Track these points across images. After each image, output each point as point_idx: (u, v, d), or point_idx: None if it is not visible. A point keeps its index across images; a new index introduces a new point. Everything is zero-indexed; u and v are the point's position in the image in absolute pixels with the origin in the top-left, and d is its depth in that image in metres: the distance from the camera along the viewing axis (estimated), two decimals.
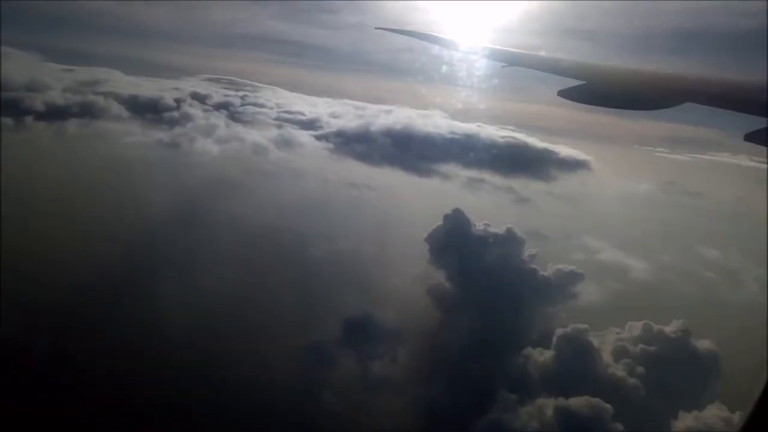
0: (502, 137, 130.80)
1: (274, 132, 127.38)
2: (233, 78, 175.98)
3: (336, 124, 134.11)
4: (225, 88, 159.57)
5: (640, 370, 47.15)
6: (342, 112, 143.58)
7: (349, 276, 64.20)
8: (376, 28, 13.59)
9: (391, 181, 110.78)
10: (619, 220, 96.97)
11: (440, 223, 61.73)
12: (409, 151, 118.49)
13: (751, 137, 6.67)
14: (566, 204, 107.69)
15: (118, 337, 47.15)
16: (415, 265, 63.46)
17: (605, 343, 49.53)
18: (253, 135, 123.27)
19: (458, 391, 45.40)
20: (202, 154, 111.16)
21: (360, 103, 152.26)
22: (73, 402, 38.67)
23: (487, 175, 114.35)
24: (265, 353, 48.69)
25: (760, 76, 7.16)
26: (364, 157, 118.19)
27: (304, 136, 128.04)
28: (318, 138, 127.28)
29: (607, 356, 48.75)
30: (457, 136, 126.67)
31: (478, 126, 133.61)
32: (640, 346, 47.52)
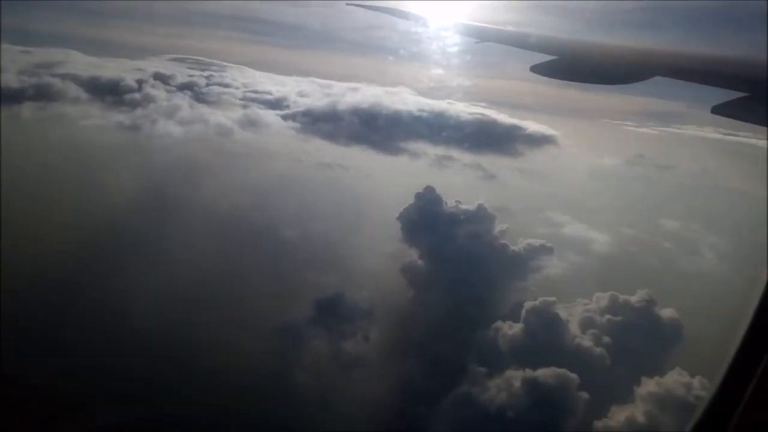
0: (471, 114, 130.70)
1: (239, 112, 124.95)
2: (199, 58, 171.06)
3: (303, 103, 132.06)
4: (190, 68, 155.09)
5: (606, 339, 48.59)
6: (310, 91, 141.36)
7: (322, 257, 63.95)
8: (347, 4, 13.44)
9: (359, 160, 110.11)
10: (585, 194, 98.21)
11: (412, 201, 62.12)
12: (377, 129, 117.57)
13: (718, 110, 6.78)
14: (533, 179, 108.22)
15: (87, 324, 46.42)
16: (388, 243, 63.75)
17: (573, 314, 50.88)
18: (217, 116, 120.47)
19: (430, 367, 46.18)
20: (164, 136, 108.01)
21: (328, 82, 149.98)
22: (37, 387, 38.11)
23: (455, 153, 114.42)
24: (237, 336, 48.43)
25: (726, 50, 7.35)
26: (332, 136, 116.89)
27: (271, 116, 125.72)
28: (285, 118, 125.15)
29: (574, 327, 50.11)
30: (426, 114, 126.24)
31: (448, 103, 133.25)
32: (607, 316, 49.02)
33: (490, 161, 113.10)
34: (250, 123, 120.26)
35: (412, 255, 59.37)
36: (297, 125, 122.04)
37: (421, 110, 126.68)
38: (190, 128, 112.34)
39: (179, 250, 61.10)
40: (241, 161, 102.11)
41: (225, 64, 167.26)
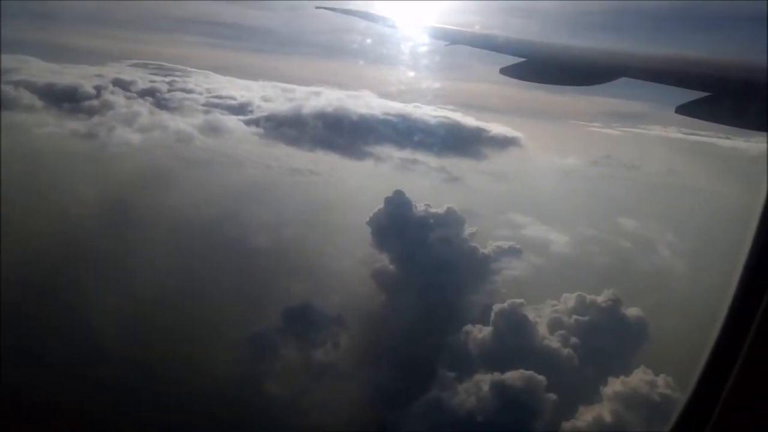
0: (437, 117, 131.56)
1: (201, 118, 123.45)
2: (162, 63, 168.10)
3: (267, 108, 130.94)
4: (153, 74, 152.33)
5: (573, 340, 49.28)
6: (274, 96, 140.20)
7: (292, 263, 63.35)
8: (317, 7, 13.38)
9: (324, 164, 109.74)
10: (548, 195, 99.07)
11: (381, 206, 62.06)
12: (342, 133, 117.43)
13: (682, 110, 6.88)
14: (497, 181, 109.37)
15: (48, 336, 45.07)
16: (358, 248, 63.54)
17: (542, 316, 51.50)
18: (177, 122, 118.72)
19: (400, 373, 46.20)
20: (121, 143, 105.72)
21: (292, 86, 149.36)
22: None
23: (420, 156, 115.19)
24: (206, 347, 47.67)
25: (688, 51, 7.57)
26: (296, 141, 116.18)
27: (233, 121, 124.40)
28: (247, 123, 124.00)
29: (543, 329, 50.65)
30: (391, 117, 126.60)
31: (414, 106, 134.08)
32: (574, 316, 49.77)
33: (455, 164, 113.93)
34: (212, 129, 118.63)
35: (383, 260, 59.39)
36: (260, 130, 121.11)
37: (386, 114, 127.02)
38: (148, 135, 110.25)
39: (139, 260, 59.64)
40: (201, 167, 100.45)
41: (189, 69, 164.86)
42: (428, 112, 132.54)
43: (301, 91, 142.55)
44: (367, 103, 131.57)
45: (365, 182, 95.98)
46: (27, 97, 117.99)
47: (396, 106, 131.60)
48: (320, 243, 69.16)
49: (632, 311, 50.12)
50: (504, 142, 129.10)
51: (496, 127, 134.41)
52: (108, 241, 63.60)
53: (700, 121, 7.30)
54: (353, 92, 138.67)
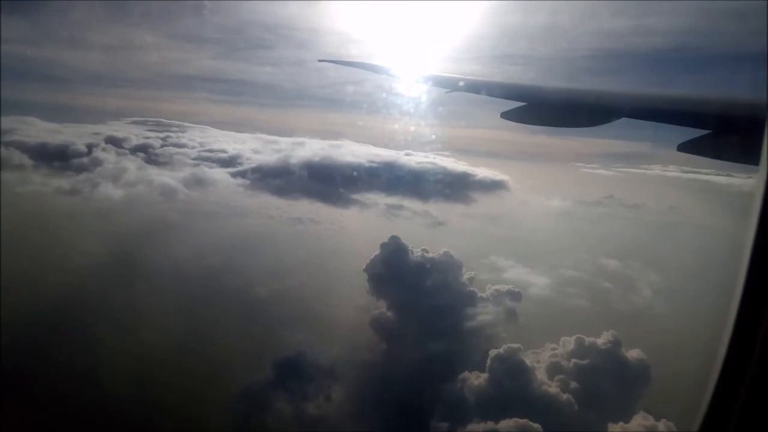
0: (426, 164, 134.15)
1: (186, 171, 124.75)
2: (161, 119, 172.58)
3: (256, 160, 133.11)
4: (150, 130, 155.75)
5: (573, 385, 48.46)
6: (265, 148, 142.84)
7: (286, 316, 62.70)
8: (320, 60, 13.77)
9: (305, 211, 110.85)
10: (534, 237, 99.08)
11: (376, 252, 61.94)
12: (327, 182, 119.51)
13: (684, 147, 7.02)
14: (483, 225, 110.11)
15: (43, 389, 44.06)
16: (355, 296, 63.16)
17: (540, 360, 50.84)
18: (163, 176, 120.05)
19: (391, 426, 45.24)
20: (103, 199, 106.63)
21: (285, 138, 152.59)
22: None
23: (406, 202, 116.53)
24: (195, 402, 46.75)
25: (685, 90, 7.81)
26: (279, 191, 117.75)
27: (220, 174, 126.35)
28: (234, 175, 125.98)
29: (542, 373, 49.92)
30: (380, 165, 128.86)
31: (406, 154, 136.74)
32: (573, 360, 49.08)
33: (441, 208, 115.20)
34: (197, 182, 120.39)
35: (381, 306, 59.02)
36: (246, 181, 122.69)
37: (375, 162, 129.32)
38: (132, 190, 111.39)
39: (123, 314, 58.75)
40: (182, 219, 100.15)
41: (187, 124, 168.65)
42: (419, 159, 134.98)
43: (291, 142, 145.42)
44: (353, 152, 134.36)
45: (352, 228, 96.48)
46: (17, 156, 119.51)
47: (387, 154, 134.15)
48: (316, 291, 68.77)
49: (633, 353, 49.60)
50: (492, 186, 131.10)
51: (486, 172, 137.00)
52: (84, 297, 62.25)
53: (701, 158, 7.40)
54: (342, 142, 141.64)
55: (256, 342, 56.44)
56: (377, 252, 62.55)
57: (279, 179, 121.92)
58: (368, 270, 61.17)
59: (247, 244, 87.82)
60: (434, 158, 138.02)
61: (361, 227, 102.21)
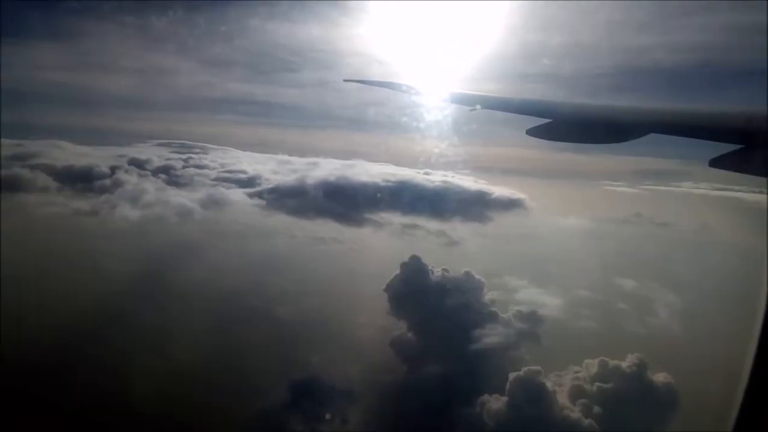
0: (438, 182, 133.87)
1: (204, 192, 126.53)
2: (186, 141, 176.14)
3: (274, 180, 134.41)
4: (174, 152, 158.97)
5: (596, 409, 47.32)
6: (285, 168, 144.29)
7: (304, 336, 62.49)
8: (345, 80, 13.89)
9: (323, 233, 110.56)
10: (549, 257, 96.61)
11: (391, 271, 61.75)
12: (339, 201, 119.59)
13: (716, 163, 6.82)
14: (496, 244, 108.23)
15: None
16: (375, 317, 62.67)
17: (562, 383, 49.73)
18: (181, 197, 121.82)
19: None
20: (119, 220, 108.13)
21: (306, 159, 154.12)
22: None
23: (421, 221, 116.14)
24: (213, 422, 46.77)
25: (714, 106, 7.72)
26: (296, 211, 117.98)
27: (238, 194, 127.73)
28: (251, 195, 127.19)
29: (564, 397, 48.86)
30: (397, 185, 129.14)
31: (425, 173, 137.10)
32: (597, 384, 47.96)
33: (457, 228, 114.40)
34: (213, 202, 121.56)
35: (401, 327, 58.54)
36: (262, 202, 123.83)
37: (394, 181, 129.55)
38: (149, 211, 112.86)
39: (137, 335, 59.04)
40: (195, 239, 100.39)
41: (210, 146, 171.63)
42: (437, 178, 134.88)
43: (306, 162, 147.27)
44: (369, 171, 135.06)
45: (367, 248, 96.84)
46: (42, 179, 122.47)
47: (403, 173, 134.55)
48: (336, 311, 68.58)
49: (659, 377, 48.33)
50: (509, 205, 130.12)
51: (503, 190, 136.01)
52: (94, 316, 62.53)
53: (733, 175, 7.23)
54: (357, 162, 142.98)
55: (274, 362, 56.26)
56: (395, 272, 62.33)
57: (294, 199, 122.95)
58: (389, 290, 60.84)
59: (258, 263, 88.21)
60: (453, 177, 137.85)
61: (374, 247, 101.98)
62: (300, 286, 77.50)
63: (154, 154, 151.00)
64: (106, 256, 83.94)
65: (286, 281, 79.04)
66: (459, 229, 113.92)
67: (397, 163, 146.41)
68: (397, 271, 61.84)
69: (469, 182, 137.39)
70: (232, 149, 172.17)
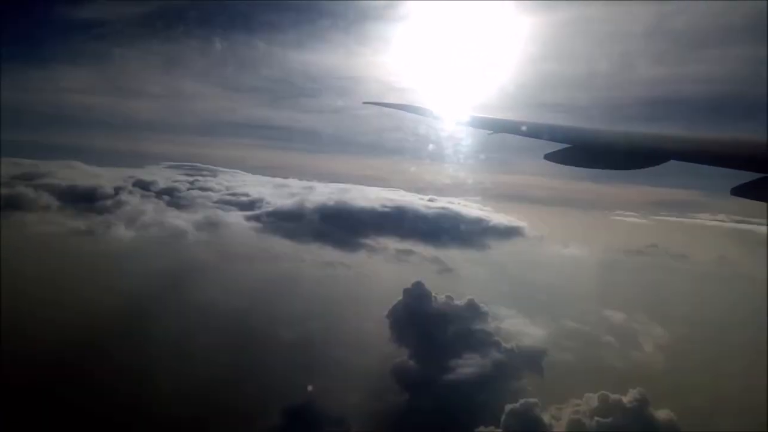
0: (439, 208, 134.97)
1: (201, 214, 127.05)
2: (197, 164, 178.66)
3: (275, 204, 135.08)
4: (185, 174, 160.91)
5: None
6: (284, 192, 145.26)
7: (312, 361, 61.78)
8: (364, 102, 13.97)
9: (316, 257, 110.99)
10: (541, 287, 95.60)
11: (381, 297, 61.30)
12: (334, 226, 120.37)
13: (737, 191, 6.71)
14: (490, 272, 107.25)
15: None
16: (378, 343, 62.14)
17: (561, 417, 49.01)
18: (177, 219, 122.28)
19: None
20: (112, 241, 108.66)
21: (314, 183, 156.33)
22: None
23: (418, 247, 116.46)
24: None
25: (734, 134, 7.78)
26: (292, 235, 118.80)
27: (236, 217, 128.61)
28: (248, 218, 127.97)
29: (561, 431, 48.13)
30: (395, 211, 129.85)
31: (429, 199, 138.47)
32: (596, 418, 47.25)
33: (453, 255, 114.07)
34: (209, 225, 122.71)
35: (402, 354, 57.90)
36: (259, 225, 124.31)
37: (393, 207, 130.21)
38: (143, 232, 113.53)
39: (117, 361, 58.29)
40: (185, 261, 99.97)
41: (220, 168, 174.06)
42: (439, 204, 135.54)
43: (303, 186, 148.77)
44: (367, 196, 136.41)
45: (357, 273, 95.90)
46: (45, 198, 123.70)
47: (403, 199, 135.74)
48: (330, 337, 67.97)
49: (662, 414, 47.55)
50: (507, 233, 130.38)
51: (503, 218, 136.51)
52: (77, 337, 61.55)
53: (752, 207, 7.16)
54: (357, 186, 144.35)
55: (270, 388, 55.58)
56: (386, 297, 61.93)
57: (290, 222, 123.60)
58: (390, 316, 60.34)
59: (244, 286, 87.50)
60: (457, 204, 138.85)
61: (365, 272, 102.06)
62: (285, 309, 76.69)
63: (163, 176, 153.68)
64: (91, 275, 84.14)
65: (271, 306, 78.04)
66: (455, 256, 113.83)
67: (409, 188, 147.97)
68: (384, 297, 61.39)
69: (472, 209, 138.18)
70: (242, 172, 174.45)
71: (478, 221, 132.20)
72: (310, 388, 52.79)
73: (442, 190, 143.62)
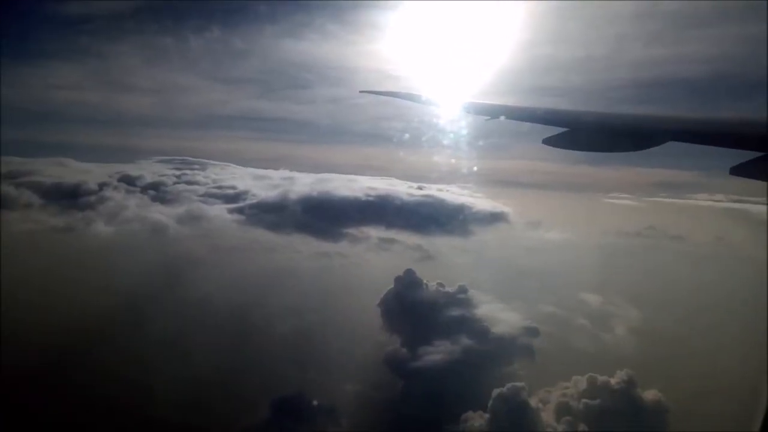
0: (425, 196, 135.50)
1: (183, 209, 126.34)
2: (187, 157, 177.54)
3: (259, 196, 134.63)
4: (175, 168, 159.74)
5: (582, 427, 47.16)
6: (277, 183, 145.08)
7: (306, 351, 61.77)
8: (360, 91, 13.97)
9: (297, 247, 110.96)
10: (523, 272, 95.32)
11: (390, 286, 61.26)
12: (317, 217, 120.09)
13: (737, 171, 6.75)
14: (470, 258, 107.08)
15: None
16: (370, 332, 62.18)
17: (549, 400, 49.50)
18: (160, 213, 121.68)
19: None
20: (91, 237, 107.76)
21: (303, 174, 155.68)
22: None
23: (401, 235, 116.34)
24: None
25: (732, 114, 7.89)
26: (274, 226, 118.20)
27: (219, 210, 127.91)
28: (231, 211, 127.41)
29: (549, 414, 48.57)
30: (379, 199, 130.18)
31: (419, 187, 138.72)
32: (584, 400, 47.84)
33: (438, 242, 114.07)
34: (191, 218, 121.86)
35: (395, 342, 58.18)
36: (242, 217, 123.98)
37: (376, 196, 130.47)
38: (124, 227, 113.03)
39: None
40: (165, 255, 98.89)
41: (210, 162, 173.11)
42: (430, 192, 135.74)
43: (281, 177, 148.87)
44: (352, 186, 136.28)
45: (340, 262, 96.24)
46: (27, 196, 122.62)
47: (393, 187, 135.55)
48: (323, 330, 67.96)
49: (649, 394, 48.27)
50: (491, 219, 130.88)
51: (488, 204, 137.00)
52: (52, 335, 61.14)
53: (749, 187, 7.24)
54: (344, 176, 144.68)
55: (261, 380, 55.58)
56: (366, 286, 61.84)
57: (272, 214, 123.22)
58: (382, 305, 60.55)
59: (223, 278, 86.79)
60: (445, 191, 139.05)
61: (347, 261, 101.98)
62: (267, 302, 76.20)
63: (151, 171, 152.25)
64: (69, 272, 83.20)
65: (253, 298, 77.34)
66: (438, 243, 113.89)
67: (404, 176, 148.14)
68: (368, 286, 61.43)
69: (459, 196, 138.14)
70: (232, 165, 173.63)
71: (462, 208, 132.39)
72: (315, 401, 52.32)
73: (438, 178, 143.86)
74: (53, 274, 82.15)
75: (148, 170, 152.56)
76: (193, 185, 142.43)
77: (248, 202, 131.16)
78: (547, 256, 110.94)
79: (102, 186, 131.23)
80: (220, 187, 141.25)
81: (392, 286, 62.00)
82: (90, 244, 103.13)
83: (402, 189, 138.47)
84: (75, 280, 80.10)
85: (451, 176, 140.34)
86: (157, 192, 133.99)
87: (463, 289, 60.48)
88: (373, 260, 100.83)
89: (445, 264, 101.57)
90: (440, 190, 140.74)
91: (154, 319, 67.50)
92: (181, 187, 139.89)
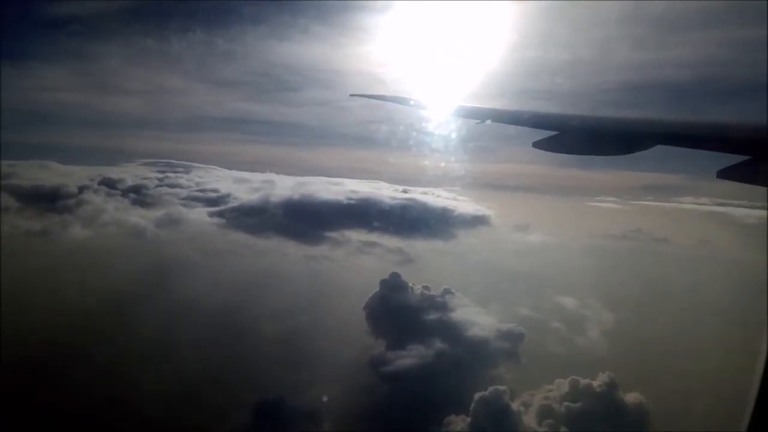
0: (407, 199, 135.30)
1: (162, 211, 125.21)
2: (171, 160, 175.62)
3: (241, 199, 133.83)
4: (159, 171, 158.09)
5: (563, 429, 47.40)
6: (260, 186, 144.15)
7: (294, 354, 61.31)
8: (351, 95, 13.90)
9: (276, 250, 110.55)
10: (501, 275, 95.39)
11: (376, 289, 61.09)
12: (297, 219, 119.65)
13: (724, 174, 6.77)
14: (450, 262, 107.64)
15: None
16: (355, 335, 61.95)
17: (531, 403, 49.66)
18: (139, 217, 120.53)
19: None
20: (65, 241, 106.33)
21: (286, 176, 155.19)
22: None
23: (383, 239, 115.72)
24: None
25: (721, 117, 7.98)
26: (253, 229, 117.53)
27: (198, 213, 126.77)
28: (212, 214, 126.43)
29: (531, 418, 48.77)
30: (360, 202, 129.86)
31: (403, 190, 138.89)
32: (565, 403, 48.12)
33: (418, 246, 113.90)
34: (169, 222, 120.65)
35: (380, 346, 57.96)
36: (221, 221, 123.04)
37: (358, 199, 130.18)
38: (100, 231, 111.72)
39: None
40: (140, 259, 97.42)
41: (195, 164, 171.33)
42: (414, 196, 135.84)
43: (263, 179, 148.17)
44: (335, 189, 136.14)
45: (320, 266, 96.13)
46: (5, 199, 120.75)
47: (368, 190, 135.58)
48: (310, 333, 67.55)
49: (631, 396, 48.67)
50: (474, 222, 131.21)
51: (470, 207, 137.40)
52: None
53: (735, 191, 7.37)
54: (329, 179, 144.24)
55: (243, 384, 55.17)
56: (343, 290, 61.65)
57: (253, 217, 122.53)
58: (367, 308, 60.46)
59: (211, 284, 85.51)
60: (431, 194, 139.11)
61: (327, 265, 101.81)
62: (243, 304, 75.73)
63: (135, 174, 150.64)
64: (42, 276, 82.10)
65: (229, 300, 76.71)
66: (419, 246, 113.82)
67: (393, 179, 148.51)
68: (349, 289, 61.34)
69: (443, 199, 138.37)
70: (217, 168, 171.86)
71: (444, 211, 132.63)
72: (298, 404, 51.90)
73: (426, 181, 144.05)
74: (25, 278, 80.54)
75: (132, 173, 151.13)
76: (176, 188, 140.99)
77: (229, 205, 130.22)
78: (531, 259, 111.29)
79: (82, 189, 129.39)
80: (202, 190, 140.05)
81: (376, 289, 61.89)
82: (65, 248, 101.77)
83: (386, 192, 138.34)
84: (46, 285, 78.96)
85: (439, 179, 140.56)
86: (137, 195, 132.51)
87: (448, 292, 60.56)
88: (354, 264, 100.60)
89: (425, 267, 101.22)
90: (425, 193, 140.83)
91: (129, 324, 66.78)
92: (163, 190, 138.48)
